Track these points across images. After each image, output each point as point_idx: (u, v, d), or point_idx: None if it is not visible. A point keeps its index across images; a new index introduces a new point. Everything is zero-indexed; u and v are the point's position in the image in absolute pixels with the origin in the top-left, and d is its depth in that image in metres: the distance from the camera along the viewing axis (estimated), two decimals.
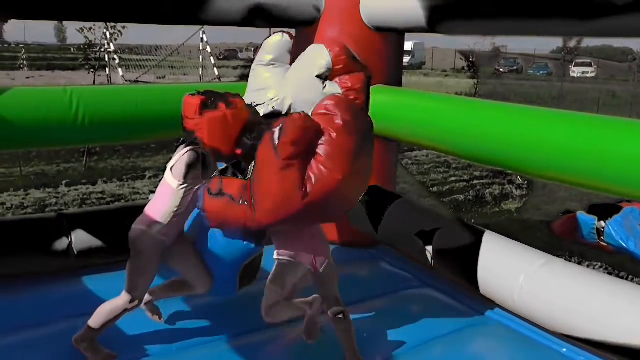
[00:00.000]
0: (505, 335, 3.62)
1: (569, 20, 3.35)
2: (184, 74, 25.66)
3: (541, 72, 42.66)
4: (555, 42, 55.01)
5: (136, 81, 21.78)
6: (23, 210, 8.15)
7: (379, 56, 4.59)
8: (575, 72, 41.39)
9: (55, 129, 3.83)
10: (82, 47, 17.93)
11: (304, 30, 4.73)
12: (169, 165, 3.07)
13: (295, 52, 4.89)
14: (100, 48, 19.52)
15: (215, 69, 24.13)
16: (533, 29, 3.76)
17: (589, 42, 46.25)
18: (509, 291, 3.52)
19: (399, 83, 4.77)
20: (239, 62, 40.85)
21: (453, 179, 10.66)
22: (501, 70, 39.89)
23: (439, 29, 4.16)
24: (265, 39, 3.64)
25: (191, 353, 3.26)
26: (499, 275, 3.62)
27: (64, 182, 9.58)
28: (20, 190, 9.08)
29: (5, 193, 8.99)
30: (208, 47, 24.77)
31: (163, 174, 3.17)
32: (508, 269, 3.58)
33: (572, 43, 40.47)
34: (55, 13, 4.26)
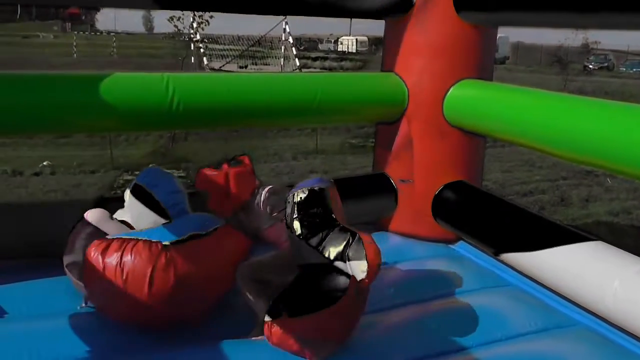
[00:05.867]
0: (593, 340, 3.47)
1: None
2: (266, 64, 26.08)
3: (634, 69, 40.66)
4: None
5: (219, 70, 22.33)
6: (112, 191, 8.54)
7: (471, 49, 4.50)
8: None
9: (151, 113, 3.96)
10: (170, 35, 18.51)
11: (394, 22, 4.69)
12: None
13: (387, 45, 4.87)
14: (187, 37, 20.09)
15: (296, 59, 24.40)
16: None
17: None
18: (601, 296, 3.37)
19: (490, 77, 4.66)
20: (319, 53, 41.08)
21: (537, 177, 10.34)
22: (590, 66, 38.29)
23: None
24: None
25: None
26: (590, 278, 3.47)
27: (150, 165, 9.94)
28: (110, 172, 9.52)
29: (97, 173, 9.46)
30: (290, 37, 25.06)
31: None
32: (601, 272, 3.44)
33: None
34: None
